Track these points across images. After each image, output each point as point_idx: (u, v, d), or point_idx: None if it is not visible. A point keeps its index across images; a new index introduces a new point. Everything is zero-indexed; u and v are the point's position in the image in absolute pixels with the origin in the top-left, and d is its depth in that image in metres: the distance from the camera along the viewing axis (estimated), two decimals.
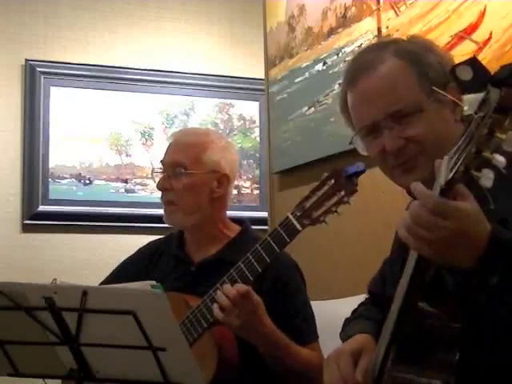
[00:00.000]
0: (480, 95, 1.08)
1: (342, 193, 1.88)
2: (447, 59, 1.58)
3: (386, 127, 1.53)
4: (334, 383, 1.48)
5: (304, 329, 2.18)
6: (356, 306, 1.83)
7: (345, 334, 1.66)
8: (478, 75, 1.08)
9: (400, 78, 1.54)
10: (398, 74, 1.54)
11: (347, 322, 1.76)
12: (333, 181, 1.90)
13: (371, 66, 1.57)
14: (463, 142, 1.08)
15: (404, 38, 1.63)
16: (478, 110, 1.07)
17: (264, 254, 2.00)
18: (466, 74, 1.08)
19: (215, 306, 1.99)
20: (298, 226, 1.94)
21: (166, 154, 2.37)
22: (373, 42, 2.72)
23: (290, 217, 1.95)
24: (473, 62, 1.09)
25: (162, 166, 2.35)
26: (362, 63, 1.60)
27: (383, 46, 1.62)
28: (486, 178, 1.05)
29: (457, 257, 1.18)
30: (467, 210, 1.14)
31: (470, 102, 1.13)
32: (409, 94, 1.53)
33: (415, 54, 1.55)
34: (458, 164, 1.08)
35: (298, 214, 1.94)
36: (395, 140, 1.53)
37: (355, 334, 1.60)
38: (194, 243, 2.35)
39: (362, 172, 1.84)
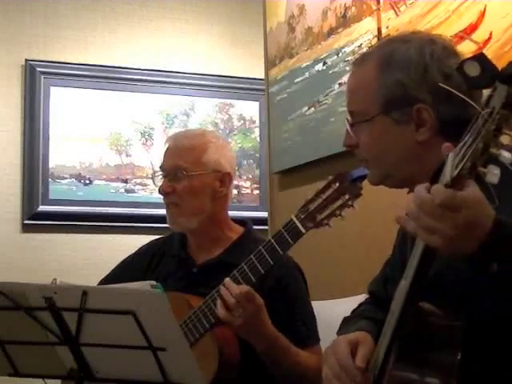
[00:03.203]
0: (488, 91, 1.08)
1: (347, 196, 1.88)
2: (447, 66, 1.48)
3: (348, 122, 1.58)
4: (334, 374, 1.47)
5: (304, 331, 2.17)
6: (356, 306, 1.83)
7: (342, 333, 1.66)
8: (486, 71, 1.07)
9: (366, 84, 1.55)
10: (367, 79, 1.55)
11: (345, 320, 1.75)
12: (337, 184, 1.90)
13: (362, 60, 1.60)
14: (469, 138, 1.07)
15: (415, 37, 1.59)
16: (485, 107, 1.06)
17: (267, 256, 2.00)
18: (474, 70, 1.08)
19: (219, 304, 1.99)
20: (302, 229, 1.94)
21: (164, 159, 2.35)
22: (373, 42, 2.72)
23: (294, 219, 1.95)
24: (481, 58, 1.08)
25: (162, 171, 2.34)
26: (364, 53, 1.64)
27: (388, 43, 1.60)
28: (492, 174, 1.04)
29: (464, 245, 1.14)
30: (476, 197, 1.10)
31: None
32: (364, 101, 1.55)
33: (397, 68, 1.51)
34: (465, 160, 1.06)
35: (302, 216, 1.94)
36: (349, 137, 1.58)
37: (352, 333, 1.60)
38: (197, 245, 2.34)
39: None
